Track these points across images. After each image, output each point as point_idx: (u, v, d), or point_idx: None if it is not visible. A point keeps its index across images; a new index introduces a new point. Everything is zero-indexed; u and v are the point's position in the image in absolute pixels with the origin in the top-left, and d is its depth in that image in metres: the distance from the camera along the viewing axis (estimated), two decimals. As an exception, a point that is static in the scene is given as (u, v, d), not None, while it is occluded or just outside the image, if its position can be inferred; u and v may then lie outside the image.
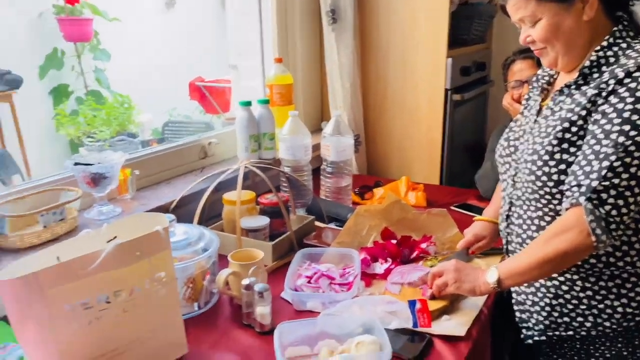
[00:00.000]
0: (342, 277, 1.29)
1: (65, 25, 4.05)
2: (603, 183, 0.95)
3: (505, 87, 1.89)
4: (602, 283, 1.08)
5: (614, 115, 0.97)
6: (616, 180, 0.95)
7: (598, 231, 0.96)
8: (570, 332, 1.13)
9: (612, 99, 0.98)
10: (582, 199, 0.96)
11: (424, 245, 1.42)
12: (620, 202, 0.95)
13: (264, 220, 1.47)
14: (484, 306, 1.21)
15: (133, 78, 4.27)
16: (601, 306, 1.08)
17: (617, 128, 0.96)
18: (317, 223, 1.63)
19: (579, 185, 0.97)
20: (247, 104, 1.85)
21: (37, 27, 4.14)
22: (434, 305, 1.16)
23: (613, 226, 0.96)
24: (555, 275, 1.12)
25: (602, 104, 0.99)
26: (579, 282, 1.09)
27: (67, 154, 3.72)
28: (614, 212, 0.95)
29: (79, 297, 0.89)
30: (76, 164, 1.36)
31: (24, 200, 1.30)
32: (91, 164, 1.34)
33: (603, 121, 0.98)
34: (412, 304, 1.12)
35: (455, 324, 1.14)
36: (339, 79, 2.16)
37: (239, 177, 1.43)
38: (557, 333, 1.15)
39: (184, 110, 4.81)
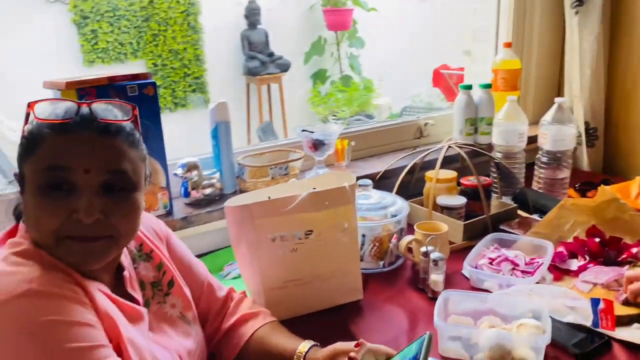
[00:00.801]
0: (527, 266, 1.25)
1: (329, 16, 4.58)
2: None
3: None
4: None
5: None
6: None
7: None
8: None
9: None
10: None
11: (635, 250, 1.27)
12: None
13: (461, 200, 1.51)
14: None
15: (382, 64, 4.59)
16: None
17: None
18: (521, 212, 1.59)
19: None
20: (468, 87, 1.87)
21: (307, 18, 4.76)
22: (624, 310, 1.06)
23: None
24: None
25: None
26: None
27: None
28: None
29: (279, 230, 1.09)
30: (303, 130, 1.61)
31: (262, 156, 1.61)
32: (313, 132, 1.57)
33: None
34: (594, 302, 1.04)
35: (648, 336, 1.02)
36: (578, 65, 1.99)
37: (440, 155, 1.49)
38: None
39: (427, 97, 4.94)
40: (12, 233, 0.78)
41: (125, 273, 0.86)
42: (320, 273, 1.14)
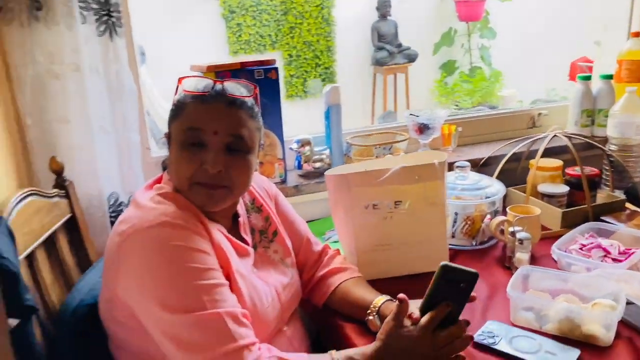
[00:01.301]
0: (620, 255, 1.25)
1: (460, 7, 4.54)
2: None
3: None
4: None
5: None
6: None
7: None
8: None
9: None
10: None
11: None
12: None
13: (562, 189, 1.51)
14: None
15: (513, 55, 4.44)
16: None
17: None
18: (630, 206, 1.54)
19: None
20: (586, 78, 1.83)
21: (438, 9, 4.77)
22: None
23: None
24: None
25: None
26: None
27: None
28: None
29: (372, 199, 1.23)
30: (410, 114, 1.72)
31: (370, 137, 1.75)
32: (418, 116, 1.68)
33: None
34: (681, 292, 1.03)
35: None
36: None
37: (542, 144, 1.51)
38: None
39: (563, 92, 4.68)
40: (158, 180, 1.02)
41: (240, 220, 1.06)
42: (408, 241, 1.25)
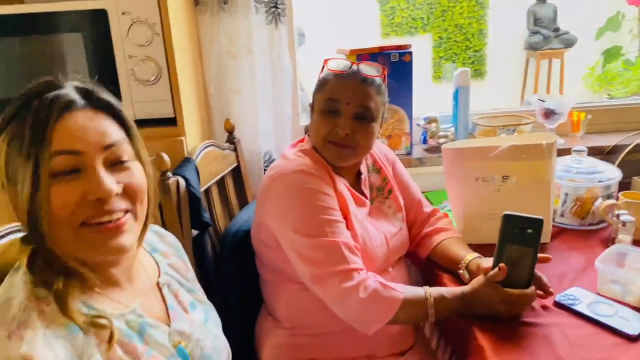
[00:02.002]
0: None
1: (631, -11, 4.19)
2: None
3: None
4: None
5: None
6: None
7: None
8: None
9: None
10: None
11: None
12: None
13: (689, 181, 1.50)
14: None
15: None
16: None
17: None
18: None
19: None
20: None
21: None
22: None
23: None
24: None
25: None
26: None
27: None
28: None
29: (482, 173, 1.39)
30: (538, 99, 1.80)
31: (497, 118, 1.87)
32: (544, 101, 1.75)
33: None
34: None
35: None
36: None
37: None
38: None
39: None
40: (301, 141, 1.30)
41: (362, 177, 1.31)
42: (511, 212, 1.39)
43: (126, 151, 0.74)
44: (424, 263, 1.38)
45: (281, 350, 1.23)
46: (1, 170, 0.69)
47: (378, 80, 1.21)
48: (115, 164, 0.72)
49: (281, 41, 1.65)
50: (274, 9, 1.62)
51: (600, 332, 1.04)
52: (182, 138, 1.36)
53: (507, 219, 1.09)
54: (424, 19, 4.66)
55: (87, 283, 0.73)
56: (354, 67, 1.20)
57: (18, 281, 0.70)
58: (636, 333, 1.01)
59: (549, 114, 1.77)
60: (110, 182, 0.70)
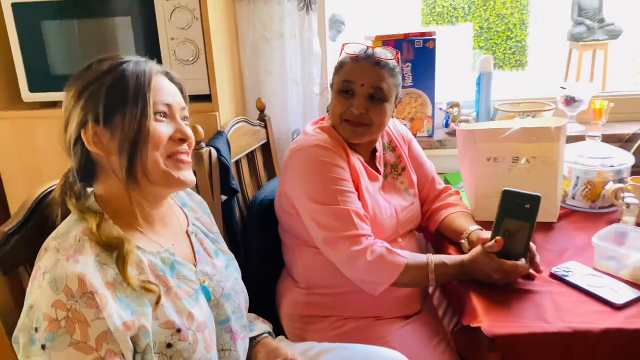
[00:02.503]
0: None
1: (684, -22, 4.05)
2: None
3: None
4: None
5: None
6: None
7: None
8: None
9: None
10: None
11: None
12: None
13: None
14: None
15: None
16: None
17: None
18: None
19: None
20: None
21: (656, -19, 4.31)
22: None
23: None
24: None
25: None
26: None
27: None
28: None
29: (493, 153, 1.47)
30: (561, 87, 1.85)
31: (518, 105, 1.92)
32: (565, 88, 1.80)
33: None
34: None
35: None
36: None
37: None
38: None
39: None
40: (322, 119, 1.42)
41: (377, 154, 1.42)
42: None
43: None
44: (434, 236, 1.48)
45: (297, 307, 1.36)
46: (101, 110, 0.85)
47: (391, 63, 1.31)
48: (184, 119, 0.94)
49: (312, 26, 1.76)
50: (305, -3, 1.73)
51: (588, 301, 1.12)
52: (216, 113, 1.51)
53: (507, 195, 1.17)
54: (465, 9, 4.66)
55: (135, 224, 0.90)
56: (369, 50, 1.30)
57: (75, 221, 0.85)
58: (621, 302, 1.09)
59: (569, 101, 1.82)
60: (189, 130, 0.93)
